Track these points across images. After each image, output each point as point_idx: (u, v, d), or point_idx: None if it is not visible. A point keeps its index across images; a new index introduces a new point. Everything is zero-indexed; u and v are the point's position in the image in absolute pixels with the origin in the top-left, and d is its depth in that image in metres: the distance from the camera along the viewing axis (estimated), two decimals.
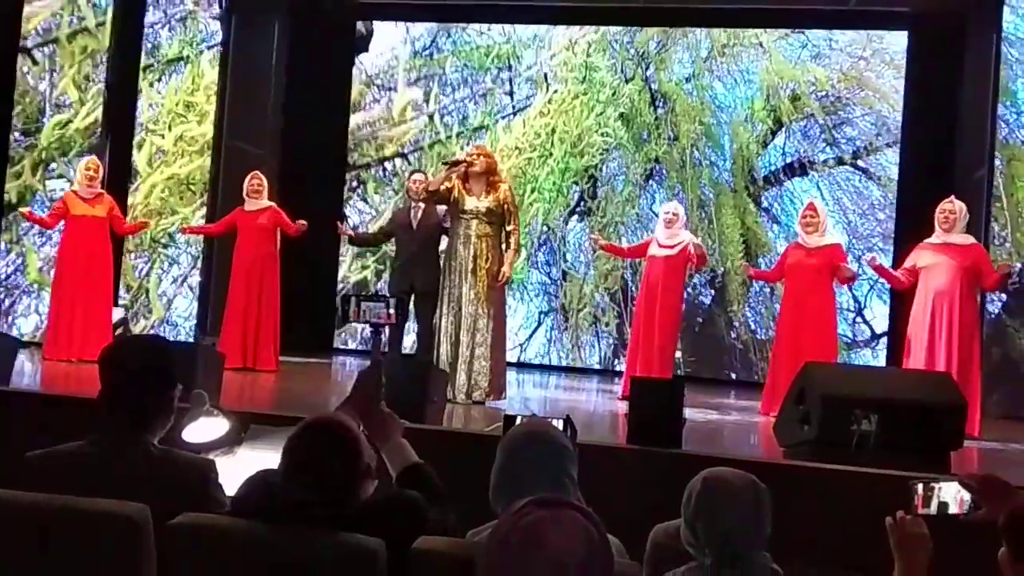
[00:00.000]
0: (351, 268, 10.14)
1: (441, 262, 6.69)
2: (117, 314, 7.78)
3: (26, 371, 6.37)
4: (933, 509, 2.18)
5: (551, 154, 9.86)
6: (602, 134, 9.80)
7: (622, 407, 6.68)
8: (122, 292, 8.66)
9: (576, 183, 9.85)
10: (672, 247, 7.03)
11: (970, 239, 6.32)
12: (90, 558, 2.24)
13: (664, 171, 9.68)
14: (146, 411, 2.52)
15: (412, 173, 8.03)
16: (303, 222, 7.52)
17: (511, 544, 1.47)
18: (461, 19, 10.14)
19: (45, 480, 2.35)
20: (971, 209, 6.57)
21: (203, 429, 3.00)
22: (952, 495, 2.18)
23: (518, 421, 3.04)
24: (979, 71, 8.21)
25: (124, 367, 2.54)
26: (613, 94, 9.80)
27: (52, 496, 2.27)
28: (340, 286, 9.97)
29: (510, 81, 10.06)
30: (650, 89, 9.77)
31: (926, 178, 8.58)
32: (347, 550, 2.16)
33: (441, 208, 6.85)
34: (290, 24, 9.88)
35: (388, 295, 6.82)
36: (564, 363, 9.70)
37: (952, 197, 6.44)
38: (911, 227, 7.63)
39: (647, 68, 9.77)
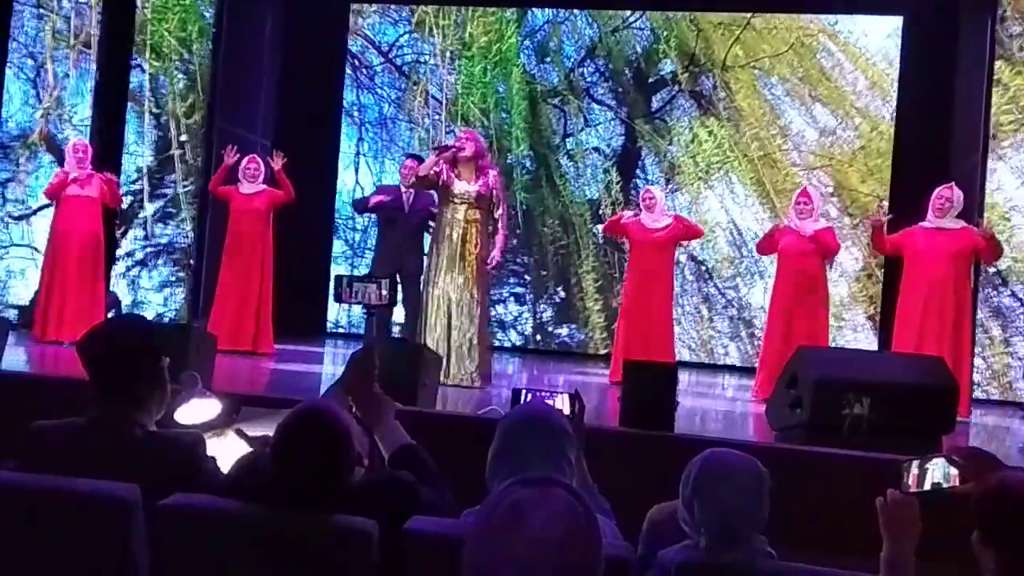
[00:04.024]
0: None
1: (427, 246, 6.67)
2: (109, 297, 7.74)
3: (15, 352, 6.33)
4: (927, 487, 2.19)
5: None
6: None
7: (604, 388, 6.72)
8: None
9: None
10: (659, 229, 7.05)
11: (961, 223, 6.34)
12: (80, 537, 2.24)
13: None
14: (135, 390, 2.50)
15: (406, 158, 8.02)
16: (279, 157, 7.44)
17: (493, 522, 1.46)
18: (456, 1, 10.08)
19: (40, 453, 2.35)
20: (964, 195, 6.57)
21: (195, 410, 2.99)
22: (944, 472, 2.19)
23: (523, 396, 3.03)
24: (973, 56, 8.19)
25: (104, 351, 2.52)
26: None
27: (41, 476, 2.27)
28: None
29: None
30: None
31: (920, 164, 8.56)
32: (340, 530, 2.16)
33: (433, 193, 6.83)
34: (283, 4, 9.82)
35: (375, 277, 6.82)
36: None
37: (952, 184, 6.45)
38: (904, 212, 7.62)
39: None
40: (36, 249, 8.02)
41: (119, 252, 8.72)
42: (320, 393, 4.09)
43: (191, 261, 9.11)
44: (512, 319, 9.78)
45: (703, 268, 9.45)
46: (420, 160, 7.77)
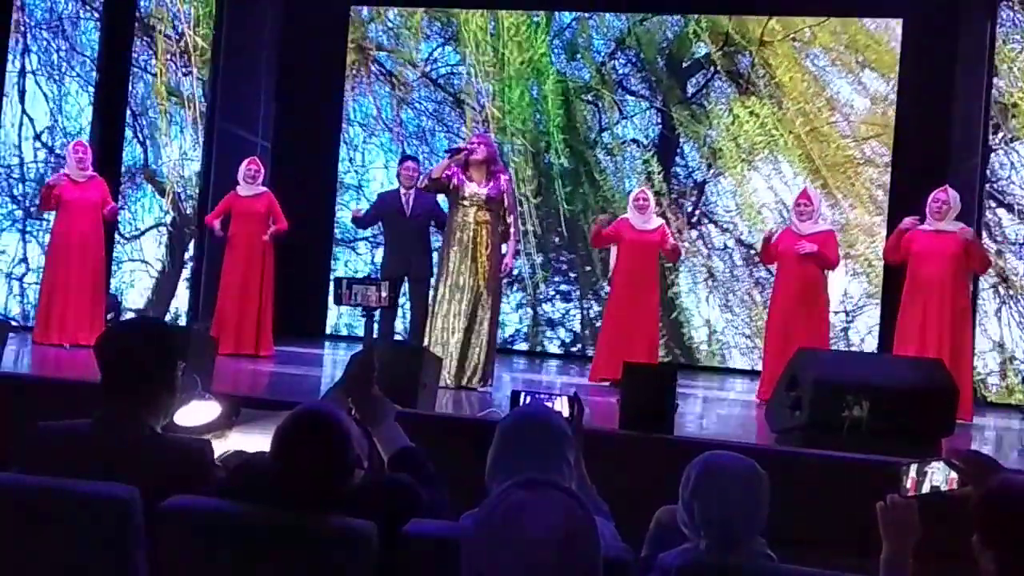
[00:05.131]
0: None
1: (438, 247, 6.68)
2: (109, 299, 7.74)
3: (16, 355, 6.34)
4: (926, 490, 2.19)
5: None
6: None
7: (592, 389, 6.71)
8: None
9: None
10: (652, 230, 7.07)
11: (959, 224, 6.34)
12: (80, 539, 2.23)
13: None
14: (145, 391, 2.49)
15: (403, 160, 8.02)
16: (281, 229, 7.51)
17: (492, 525, 1.46)
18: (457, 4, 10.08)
19: (43, 455, 2.35)
20: (964, 197, 6.58)
21: (195, 412, 2.99)
22: (943, 476, 2.19)
23: (522, 398, 3.03)
24: (973, 58, 8.19)
25: (121, 351, 2.52)
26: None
27: (40, 477, 2.27)
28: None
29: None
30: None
31: (920, 165, 8.56)
32: (339, 532, 2.16)
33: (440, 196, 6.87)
34: (283, 6, 9.82)
35: (380, 279, 6.83)
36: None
37: (946, 186, 6.46)
38: (904, 214, 7.62)
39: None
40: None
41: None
42: (320, 395, 4.09)
43: (191, 263, 9.11)
44: (560, 317, 9.75)
45: (752, 252, 9.17)
46: (417, 160, 7.82)
